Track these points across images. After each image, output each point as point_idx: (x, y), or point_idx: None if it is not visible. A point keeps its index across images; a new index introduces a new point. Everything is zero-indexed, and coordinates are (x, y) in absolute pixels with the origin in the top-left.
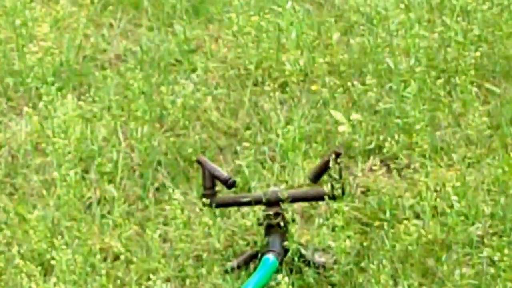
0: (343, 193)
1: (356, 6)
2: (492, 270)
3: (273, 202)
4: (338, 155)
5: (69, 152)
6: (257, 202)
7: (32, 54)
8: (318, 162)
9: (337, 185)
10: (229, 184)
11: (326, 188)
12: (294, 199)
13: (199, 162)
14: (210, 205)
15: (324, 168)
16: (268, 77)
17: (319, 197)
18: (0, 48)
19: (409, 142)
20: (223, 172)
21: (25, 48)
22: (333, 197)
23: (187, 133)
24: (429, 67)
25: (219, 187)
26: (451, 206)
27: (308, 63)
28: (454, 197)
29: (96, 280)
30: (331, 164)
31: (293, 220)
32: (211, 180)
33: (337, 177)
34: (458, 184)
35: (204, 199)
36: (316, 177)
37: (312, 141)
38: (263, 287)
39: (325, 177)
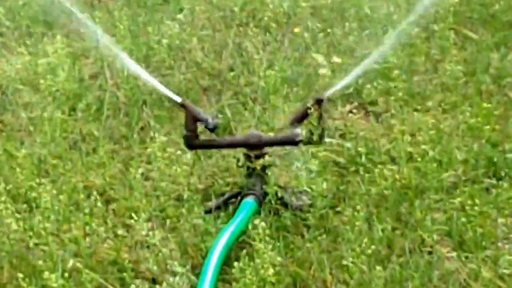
0: (321, 139)
1: None
2: (462, 216)
3: (253, 145)
4: (319, 101)
5: (56, 90)
6: (238, 145)
7: None
8: (299, 107)
9: (316, 131)
10: (212, 127)
11: (305, 133)
12: (272, 143)
13: (183, 105)
14: (191, 147)
15: (304, 114)
16: (252, 19)
17: (296, 142)
18: None
19: (387, 88)
20: (206, 115)
21: None
22: (308, 143)
23: (172, 73)
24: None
25: (200, 129)
26: (426, 152)
27: (292, 6)
28: (428, 144)
29: (79, 218)
30: (310, 111)
31: (271, 165)
32: (193, 122)
33: (315, 124)
34: (433, 130)
35: (185, 141)
36: (294, 122)
37: (293, 84)
38: (244, 229)
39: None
